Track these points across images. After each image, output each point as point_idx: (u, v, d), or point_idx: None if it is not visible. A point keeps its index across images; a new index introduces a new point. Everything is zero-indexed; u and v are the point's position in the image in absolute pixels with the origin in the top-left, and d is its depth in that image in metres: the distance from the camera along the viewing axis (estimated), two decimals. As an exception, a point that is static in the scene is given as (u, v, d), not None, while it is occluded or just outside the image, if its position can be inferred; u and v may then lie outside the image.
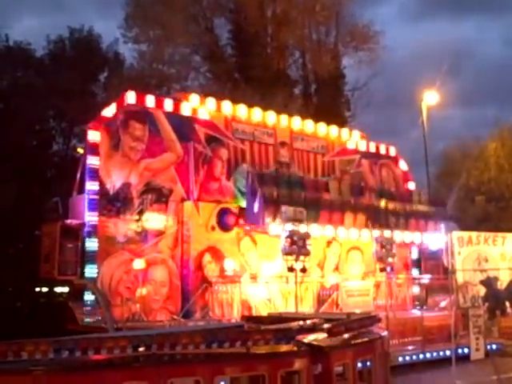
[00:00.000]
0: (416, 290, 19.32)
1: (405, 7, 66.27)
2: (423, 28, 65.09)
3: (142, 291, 14.10)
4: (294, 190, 15.70)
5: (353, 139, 20.04)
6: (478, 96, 56.14)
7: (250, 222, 15.33)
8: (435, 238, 17.98)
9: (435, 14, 72.01)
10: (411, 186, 21.43)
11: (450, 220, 18.12)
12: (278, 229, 14.52)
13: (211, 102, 16.76)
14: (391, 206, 17.66)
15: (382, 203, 17.49)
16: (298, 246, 14.33)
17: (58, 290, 16.61)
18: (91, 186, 13.98)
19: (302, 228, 14.45)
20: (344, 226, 16.43)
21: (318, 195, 16.23)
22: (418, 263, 20.50)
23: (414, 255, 20.42)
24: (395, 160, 21.16)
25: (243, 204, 16.54)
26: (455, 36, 55.36)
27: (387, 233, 16.15)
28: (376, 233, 16.37)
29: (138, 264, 14.13)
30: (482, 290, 16.83)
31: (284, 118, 18.34)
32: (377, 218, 16.86)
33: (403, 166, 21.31)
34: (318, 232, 15.62)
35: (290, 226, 14.29)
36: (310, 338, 4.92)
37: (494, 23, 70.43)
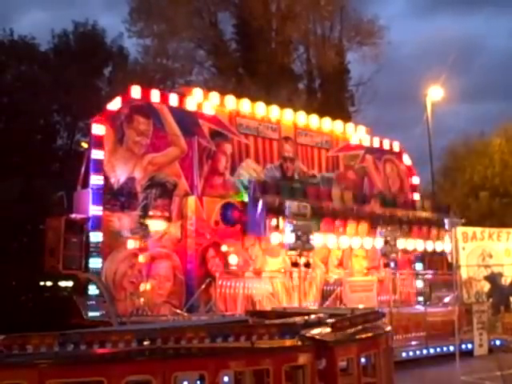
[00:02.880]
0: (420, 285, 19.31)
1: (412, 2, 66.11)
2: (430, 23, 64.95)
3: (146, 286, 14.13)
4: (296, 199, 15.67)
5: (357, 134, 20.02)
6: (483, 91, 56.08)
7: (252, 231, 15.45)
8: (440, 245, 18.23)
9: (443, 8, 71.84)
10: (415, 180, 21.42)
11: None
12: (279, 237, 14.82)
13: (215, 96, 16.75)
14: (394, 212, 17.75)
15: (385, 210, 17.63)
16: (301, 241, 14.36)
17: (63, 284, 16.62)
18: (95, 180, 13.98)
19: (307, 223, 14.49)
20: (346, 235, 16.50)
21: (321, 204, 16.33)
22: (421, 258, 20.49)
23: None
24: (399, 155, 21.15)
25: (246, 199, 16.56)
26: (462, 31, 55.33)
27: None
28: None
29: (142, 258, 14.18)
30: (487, 286, 16.82)
31: (288, 112, 18.31)
32: (379, 225, 16.88)
33: (407, 160, 21.28)
34: (319, 241, 15.63)
35: (293, 221, 14.33)
36: (314, 332, 4.93)
37: (502, 17, 70.20)
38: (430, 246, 18.36)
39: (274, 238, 14.95)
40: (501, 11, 73.83)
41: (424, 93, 24.75)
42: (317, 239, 15.28)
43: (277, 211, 15.10)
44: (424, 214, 18.70)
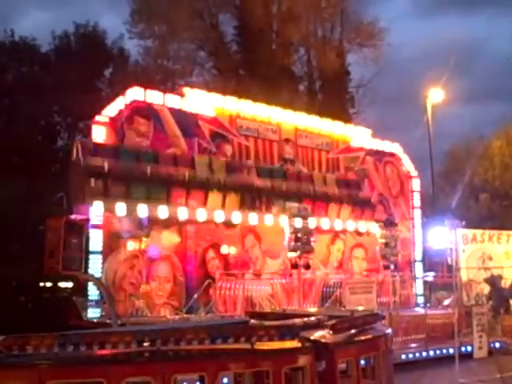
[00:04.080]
0: (419, 288, 19.32)
1: (414, 3, 66.07)
2: (431, 24, 64.91)
3: (146, 287, 14.13)
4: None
5: (357, 136, 20.02)
6: (484, 93, 56.06)
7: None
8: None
9: (444, 10, 71.71)
10: (416, 184, 21.42)
11: None
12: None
13: (216, 98, 16.76)
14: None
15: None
16: (301, 242, 14.36)
17: (62, 285, 16.66)
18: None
19: (307, 224, 14.49)
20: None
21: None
22: (421, 261, 20.50)
23: (418, 253, 20.44)
24: (399, 158, 21.16)
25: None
26: (464, 32, 55.17)
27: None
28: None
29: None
30: (486, 288, 16.84)
31: (289, 114, 18.32)
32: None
33: (408, 164, 21.29)
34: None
35: (294, 222, 14.33)
36: (313, 334, 4.92)
37: (505, 19, 70.08)
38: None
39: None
40: (503, 13, 73.87)
41: (424, 95, 24.77)
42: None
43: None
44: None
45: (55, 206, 14.12)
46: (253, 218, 15.28)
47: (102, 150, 13.79)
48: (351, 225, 17.72)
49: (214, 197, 14.97)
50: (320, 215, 16.72)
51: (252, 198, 15.54)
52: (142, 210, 13.64)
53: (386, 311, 13.45)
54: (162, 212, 13.96)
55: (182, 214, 14.33)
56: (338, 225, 17.42)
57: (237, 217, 15.05)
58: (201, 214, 14.51)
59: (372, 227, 17.59)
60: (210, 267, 15.10)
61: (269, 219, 15.51)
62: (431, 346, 14.54)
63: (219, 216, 14.78)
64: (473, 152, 32.51)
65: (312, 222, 15.19)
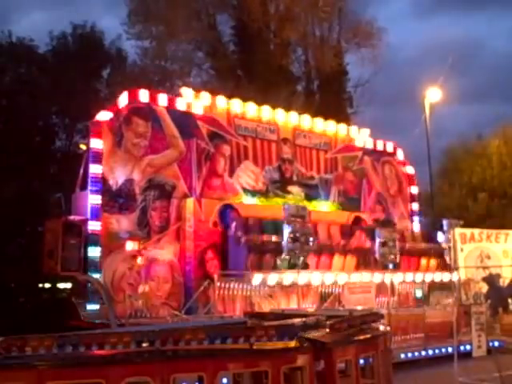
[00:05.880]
0: (418, 286, 19.29)
1: (413, 3, 66.12)
2: (430, 24, 65.01)
3: (145, 287, 14.13)
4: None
5: (356, 136, 20.05)
6: (482, 92, 56.14)
7: (233, 268, 14.70)
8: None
9: (444, 9, 71.86)
10: (414, 190, 21.47)
11: None
12: (260, 278, 14.02)
13: (214, 98, 16.76)
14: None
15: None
16: (300, 242, 14.35)
17: (61, 285, 16.64)
18: (94, 182, 13.98)
19: (305, 224, 14.48)
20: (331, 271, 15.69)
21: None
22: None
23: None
24: (397, 157, 21.19)
25: (245, 201, 16.57)
26: (463, 31, 55.33)
27: (378, 276, 16.03)
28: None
29: (141, 260, 14.18)
30: (485, 287, 16.86)
31: (287, 114, 18.33)
32: (367, 260, 16.61)
33: (406, 164, 21.32)
34: (304, 279, 14.78)
35: (292, 223, 14.33)
36: (312, 334, 4.93)
37: (504, 18, 70.18)
38: (430, 276, 17.50)
39: (257, 279, 13.98)
40: (502, 12, 73.99)
41: (422, 94, 24.80)
42: (302, 278, 14.55)
43: (259, 249, 14.76)
44: (422, 245, 18.16)
45: (54, 207, 14.14)
46: (366, 276, 15.94)
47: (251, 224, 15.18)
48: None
49: (337, 259, 16.05)
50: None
51: (364, 258, 16.56)
52: (288, 278, 14.37)
53: (384, 310, 13.45)
54: (302, 278, 14.51)
55: (316, 278, 15.06)
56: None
57: (356, 276, 15.75)
58: (328, 278, 15.24)
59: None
60: (209, 267, 15.09)
61: (377, 277, 16.08)
62: (430, 345, 14.55)
63: (342, 278, 15.45)
64: (471, 151, 32.55)
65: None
